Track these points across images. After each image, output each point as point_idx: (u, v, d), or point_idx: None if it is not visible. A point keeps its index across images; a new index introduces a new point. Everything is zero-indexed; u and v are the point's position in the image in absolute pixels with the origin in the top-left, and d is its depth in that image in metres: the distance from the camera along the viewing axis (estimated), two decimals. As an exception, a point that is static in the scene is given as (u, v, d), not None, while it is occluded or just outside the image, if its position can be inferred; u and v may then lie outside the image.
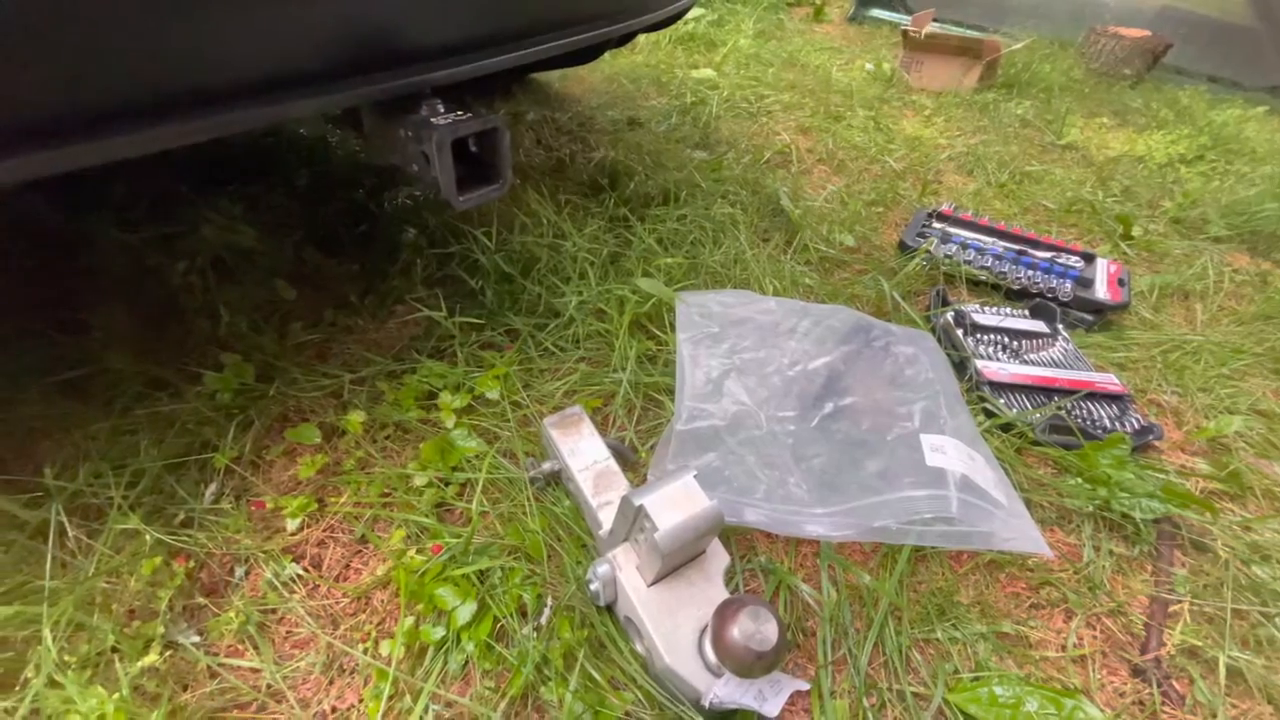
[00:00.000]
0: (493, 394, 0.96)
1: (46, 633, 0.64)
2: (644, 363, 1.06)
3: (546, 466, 0.84)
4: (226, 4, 0.52)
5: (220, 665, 0.67)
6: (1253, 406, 1.11)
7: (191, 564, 0.74)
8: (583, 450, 0.82)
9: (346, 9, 0.62)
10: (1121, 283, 1.35)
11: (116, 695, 0.61)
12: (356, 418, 0.91)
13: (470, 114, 0.75)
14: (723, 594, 0.67)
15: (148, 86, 0.51)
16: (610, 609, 0.72)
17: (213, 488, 0.83)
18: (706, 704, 0.60)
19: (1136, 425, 1.03)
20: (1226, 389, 1.15)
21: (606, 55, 2.56)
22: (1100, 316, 1.30)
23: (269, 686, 0.66)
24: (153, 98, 0.51)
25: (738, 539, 0.82)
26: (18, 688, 0.63)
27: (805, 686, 0.64)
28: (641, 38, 2.77)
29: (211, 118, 0.56)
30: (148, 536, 0.74)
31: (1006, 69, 2.74)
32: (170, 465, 0.83)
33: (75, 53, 0.46)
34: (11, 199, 1.17)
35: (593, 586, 0.69)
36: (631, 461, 0.90)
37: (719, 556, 0.71)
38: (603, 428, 0.96)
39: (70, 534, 0.73)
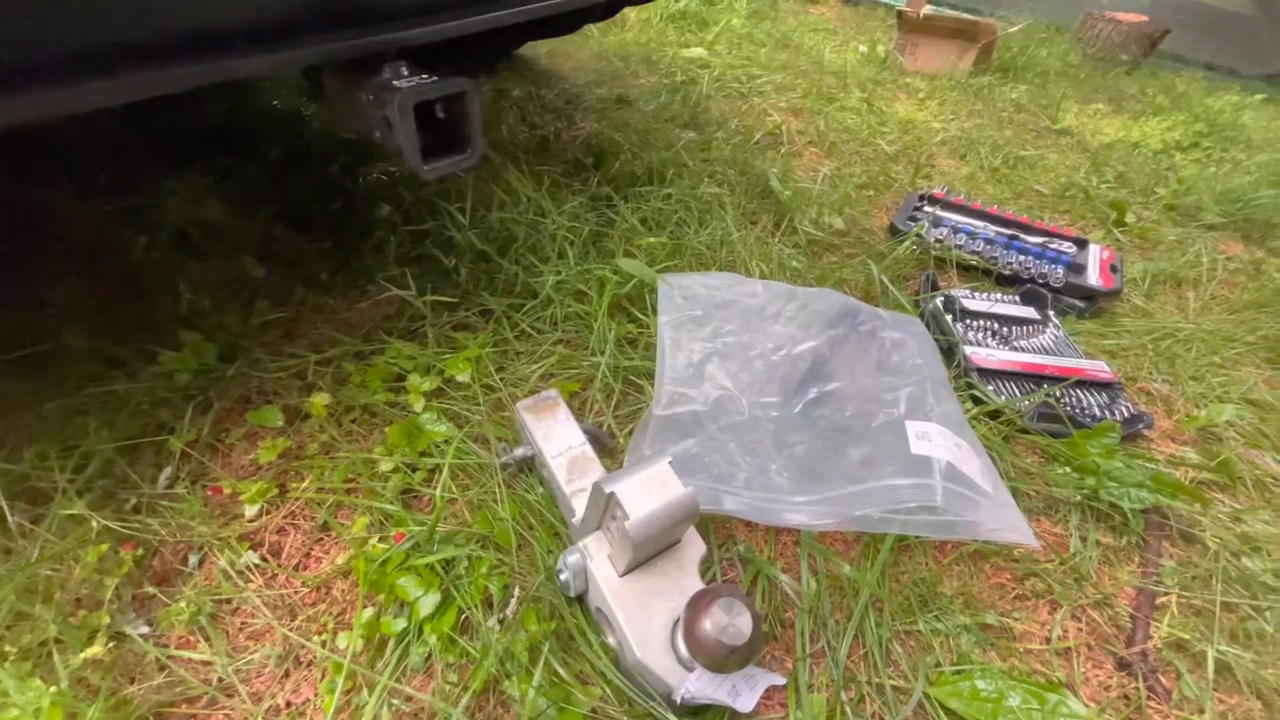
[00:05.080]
0: (464, 377, 0.93)
1: (-17, 623, 0.61)
2: (624, 346, 1.02)
3: (519, 452, 0.80)
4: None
5: (169, 657, 0.64)
6: (1244, 395, 1.09)
7: (140, 551, 0.70)
8: (557, 435, 0.79)
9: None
10: (1114, 269, 1.33)
11: (54, 688, 0.57)
12: (321, 400, 0.87)
13: (435, 76, 0.70)
14: (698, 584, 0.65)
15: (69, 35, 0.46)
16: (581, 600, 0.69)
17: (167, 472, 0.79)
18: (678, 699, 0.58)
19: (1126, 413, 1.00)
20: (1218, 377, 1.13)
21: (595, 32, 2.50)
22: (1092, 303, 1.28)
23: (220, 680, 0.63)
24: (78, 49, 0.47)
25: (716, 527, 0.79)
26: (-48, 679, 0.60)
27: (781, 681, 0.62)
28: (631, 14, 2.71)
29: (146, 73, 0.52)
30: (94, 522, 0.70)
31: (1002, 53, 2.69)
32: (123, 448, 0.79)
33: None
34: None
35: (563, 576, 0.66)
36: (608, 447, 0.87)
37: (695, 545, 0.68)
38: (580, 413, 0.93)
39: (10, 519, 0.70)
